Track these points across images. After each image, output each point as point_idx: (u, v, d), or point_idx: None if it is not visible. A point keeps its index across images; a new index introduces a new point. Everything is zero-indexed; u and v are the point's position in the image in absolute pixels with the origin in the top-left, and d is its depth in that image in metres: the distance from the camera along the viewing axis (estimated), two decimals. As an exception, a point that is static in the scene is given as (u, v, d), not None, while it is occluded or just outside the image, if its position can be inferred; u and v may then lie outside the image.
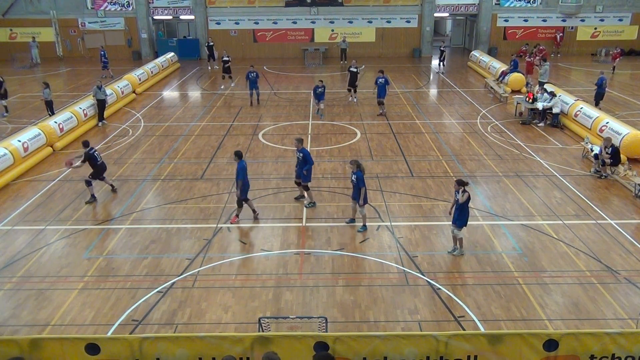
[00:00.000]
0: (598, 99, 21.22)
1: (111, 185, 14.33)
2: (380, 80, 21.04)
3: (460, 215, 10.63)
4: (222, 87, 27.16)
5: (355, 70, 23.06)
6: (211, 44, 32.51)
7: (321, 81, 21.01)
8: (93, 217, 12.88)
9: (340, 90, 26.08)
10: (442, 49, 31.44)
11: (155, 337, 6.44)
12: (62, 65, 34.61)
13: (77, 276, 10.39)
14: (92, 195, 13.72)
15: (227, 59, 27.11)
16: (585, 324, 8.80)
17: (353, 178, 11.80)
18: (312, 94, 22.10)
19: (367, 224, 12.16)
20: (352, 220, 12.34)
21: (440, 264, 10.68)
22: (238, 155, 12.13)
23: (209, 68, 32.59)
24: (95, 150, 13.88)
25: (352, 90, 23.42)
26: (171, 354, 6.35)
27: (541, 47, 32.00)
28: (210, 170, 15.80)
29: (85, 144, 13.83)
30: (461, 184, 10.51)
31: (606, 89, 21.76)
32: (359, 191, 11.77)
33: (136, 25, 35.94)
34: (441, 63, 31.45)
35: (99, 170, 13.84)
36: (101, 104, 20.69)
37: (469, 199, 10.52)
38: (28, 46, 34.54)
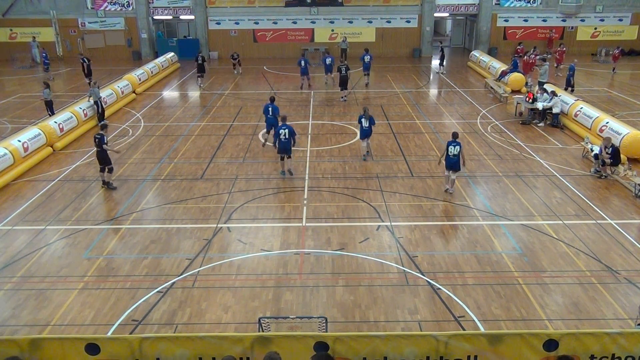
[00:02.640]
0: (567, 86, 23.64)
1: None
2: (366, 57, 26.01)
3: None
4: (200, 85, 27.59)
5: (343, 68, 23.67)
6: (236, 56, 31.00)
7: (329, 52, 25.05)
8: (93, 217, 12.88)
9: (339, 91, 26.08)
10: (440, 48, 31.40)
11: (155, 337, 6.43)
12: (62, 65, 34.61)
13: (77, 276, 10.39)
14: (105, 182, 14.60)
15: (201, 60, 27.35)
16: (585, 324, 8.80)
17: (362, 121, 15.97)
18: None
19: (366, 223, 12.32)
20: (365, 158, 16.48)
21: (440, 264, 10.68)
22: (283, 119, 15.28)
23: (235, 72, 30.83)
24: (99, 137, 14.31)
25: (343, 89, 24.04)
26: (171, 354, 6.34)
27: (564, 49, 30.58)
28: (210, 170, 15.80)
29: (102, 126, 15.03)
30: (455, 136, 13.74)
31: (572, 77, 23.83)
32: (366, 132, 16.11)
33: (136, 25, 35.93)
34: (441, 64, 31.41)
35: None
36: (98, 104, 20.68)
37: (445, 149, 13.70)
38: (29, 46, 34.52)
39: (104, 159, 14.33)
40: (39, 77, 29.26)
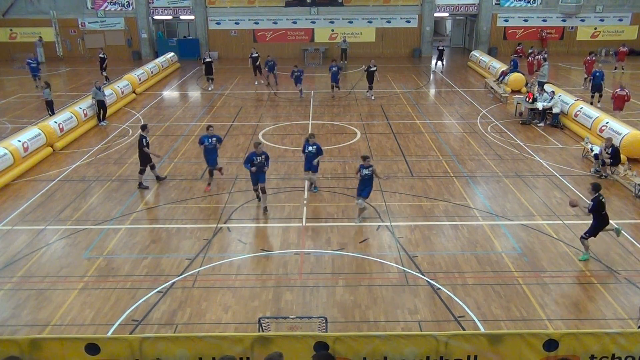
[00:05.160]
0: (598, 91, 21.99)
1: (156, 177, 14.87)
2: (333, 68, 24.30)
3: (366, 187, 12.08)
4: (210, 88, 27.19)
5: (374, 69, 23.92)
6: (255, 55, 27.51)
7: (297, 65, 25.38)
8: (93, 217, 12.88)
9: (339, 90, 26.09)
10: (440, 48, 31.49)
11: (155, 337, 6.44)
12: (62, 65, 34.61)
13: (77, 276, 10.39)
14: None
15: (209, 60, 26.91)
16: (585, 324, 8.80)
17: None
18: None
19: (366, 223, 12.36)
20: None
21: (440, 264, 10.68)
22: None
23: (256, 83, 28.14)
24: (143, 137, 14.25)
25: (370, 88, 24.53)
26: (171, 354, 6.35)
27: (594, 58, 26.24)
28: (210, 170, 15.78)
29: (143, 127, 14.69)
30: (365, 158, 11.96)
31: (602, 82, 22.18)
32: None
33: (136, 25, 35.95)
34: (440, 63, 31.51)
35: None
36: (100, 105, 20.66)
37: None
38: (34, 45, 34.45)
39: (142, 159, 14.31)
40: (40, 77, 29.18)
